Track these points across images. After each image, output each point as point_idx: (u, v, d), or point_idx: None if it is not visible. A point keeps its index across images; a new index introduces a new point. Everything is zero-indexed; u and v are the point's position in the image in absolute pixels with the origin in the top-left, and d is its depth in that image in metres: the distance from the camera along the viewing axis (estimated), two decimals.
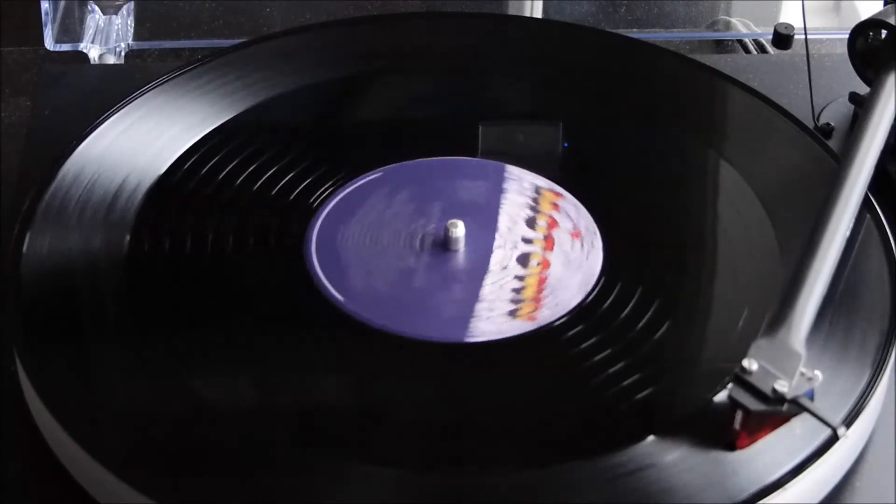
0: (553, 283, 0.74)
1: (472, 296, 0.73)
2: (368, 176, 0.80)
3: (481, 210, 0.78)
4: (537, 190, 0.79)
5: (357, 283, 0.74)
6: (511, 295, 0.74)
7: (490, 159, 0.82)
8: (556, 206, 0.78)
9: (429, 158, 0.82)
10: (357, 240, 0.77)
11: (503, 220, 0.78)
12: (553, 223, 0.77)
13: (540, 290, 0.74)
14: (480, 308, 0.73)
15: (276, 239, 0.77)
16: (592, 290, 0.74)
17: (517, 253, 0.76)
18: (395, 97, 0.87)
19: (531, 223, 0.77)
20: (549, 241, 0.76)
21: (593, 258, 0.76)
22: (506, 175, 0.80)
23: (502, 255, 0.76)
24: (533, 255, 0.76)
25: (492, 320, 0.72)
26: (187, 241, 0.76)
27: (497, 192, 0.79)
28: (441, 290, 0.74)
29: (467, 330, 0.72)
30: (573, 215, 0.78)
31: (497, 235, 0.77)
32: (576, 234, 0.77)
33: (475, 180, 0.80)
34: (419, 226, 0.77)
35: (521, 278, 0.75)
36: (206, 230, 0.77)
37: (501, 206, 0.79)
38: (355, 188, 0.80)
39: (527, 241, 0.77)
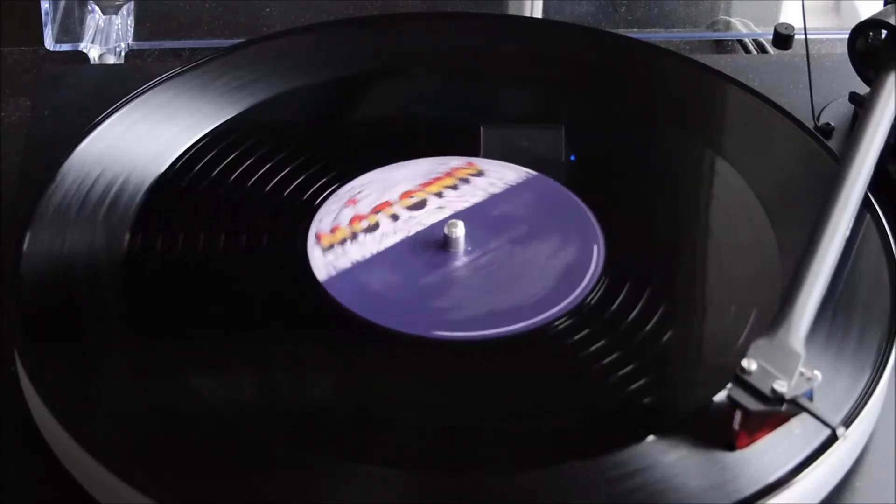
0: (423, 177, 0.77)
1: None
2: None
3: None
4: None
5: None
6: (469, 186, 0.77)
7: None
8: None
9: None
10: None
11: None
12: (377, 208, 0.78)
13: (441, 178, 0.77)
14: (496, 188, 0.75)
15: (276, 238, 0.77)
16: (592, 289, 0.74)
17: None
18: (395, 97, 0.87)
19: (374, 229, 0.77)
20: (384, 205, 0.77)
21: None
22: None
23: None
24: (417, 194, 0.77)
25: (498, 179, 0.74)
26: (187, 240, 0.76)
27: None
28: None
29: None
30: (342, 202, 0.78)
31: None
32: (352, 200, 0.77)
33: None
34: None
35: (442, 194, 0.77)
36: (205, 230, 0.77)
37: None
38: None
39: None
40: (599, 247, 0.77)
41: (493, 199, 0.79)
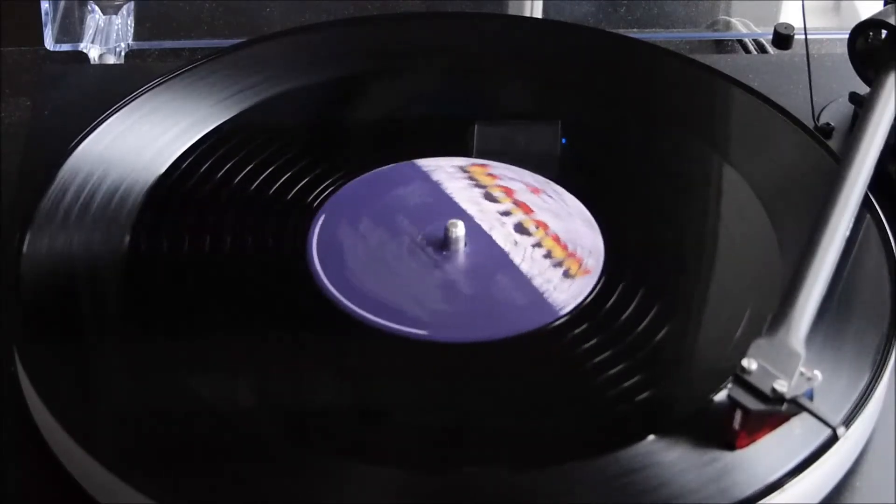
0: (566, 236, 0.76)
1: (520, 279, 0.74)
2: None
3: (440, 207, 0.78)
4: (464, 169, 0.79)
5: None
6: (548, 262, 0.74)
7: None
8: (492, 175, 0.78)
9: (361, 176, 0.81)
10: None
11: (469, 207, 0.78)
12: (507, 190, 0.77)
13: (565, 246, 0.75)
14: (539, 283, 0.73)
15: (277, 238, 0.77)
16: (592, 289, 0.74)
17: (510, 227, 0.77)
18: (395, 97, 0.87)
19: (490, 198, 0.78)
20: (522, 206, 0.77)
21: (570, 201, 0.78)
22: (425, 170, 0.80)
23: (503, 234, 0.76)
24: (524, 223, 0.76)
25: (560, 288, 0.73)
26: (187, 240, 0.76)
27: (434, 187, 0.79)
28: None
29: (550, 306, 0.72)
30: (514, 175, 0.79)
31: (479, 221, 0.77)
32: (535, 189, 0.78)
33: (407, 185, 0.80)
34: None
35: (538, 245, 0.75)
36: (206, 230, 0.77)
37: (452, 196, 0.78)
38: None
39: (504, 213, 0.77)
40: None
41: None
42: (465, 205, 0.78)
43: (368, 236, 0.77)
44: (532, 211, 0.77)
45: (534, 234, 0.76)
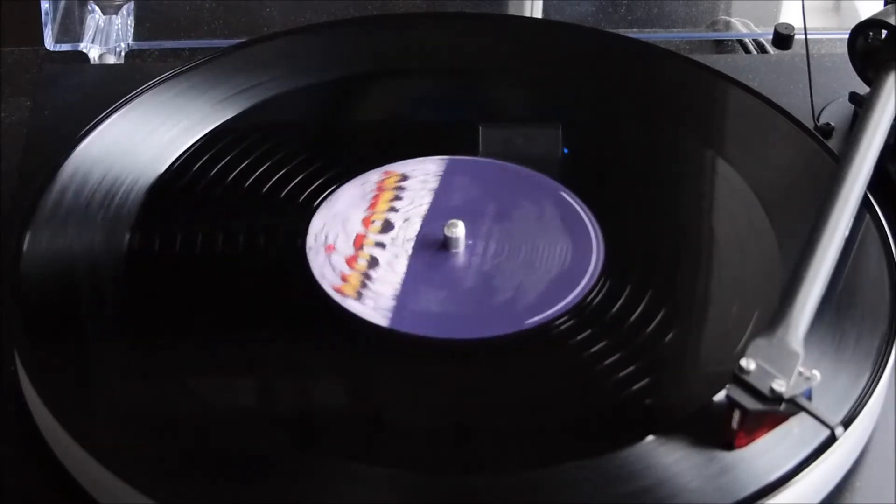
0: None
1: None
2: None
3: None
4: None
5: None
6: None
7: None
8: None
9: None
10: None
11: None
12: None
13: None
14: None
15: (277, 238, 0.77)
16: (592, 289, 0.74)
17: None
18: (395, 97, 0.87)
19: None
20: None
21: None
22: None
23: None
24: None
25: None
26: (187, 240, 0.76)
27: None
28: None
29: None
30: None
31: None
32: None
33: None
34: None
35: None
36: (206, 229, 0.77)
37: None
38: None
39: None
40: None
41: (441, 193, 0.79)
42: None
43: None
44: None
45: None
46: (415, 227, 0.77)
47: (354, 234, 0.77)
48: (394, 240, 0.77)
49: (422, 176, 0.80)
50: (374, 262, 0.75)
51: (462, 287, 0.74)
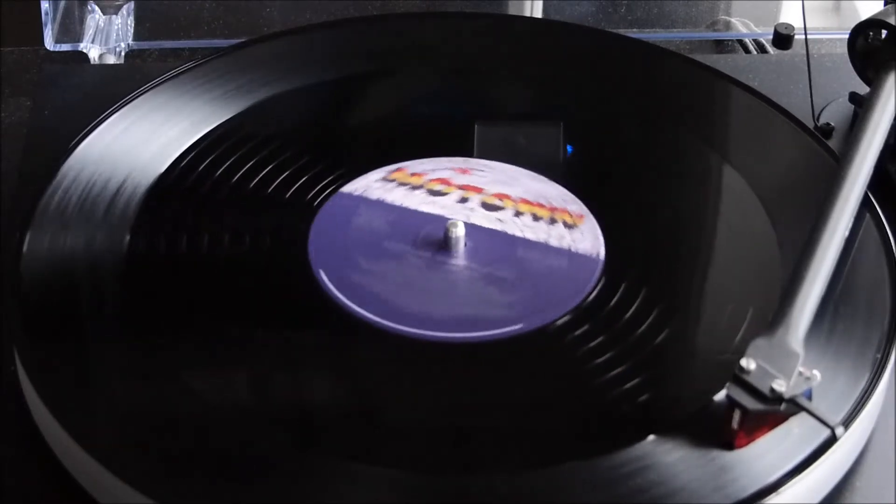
0: (531, 196, 0.77)
1: (540, 248, 0.75)
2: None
3: (410, 220, 0.77)
4: (387, 179, 0.79)
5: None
6: (542, 223, 0.75)
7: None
8: (416, 174, 0.79)
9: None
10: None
11: (430, 209, 0.78)
12: (443, 181, 0.78)
13: (540, 204, 0.76)
14: (558, 244, 0.75)
15: (277, 238, 0.77)
16: (592, 289, 0.74)
17: (480, 210, 0.77)
18: (395, 97, 0.87)
19: (435, 193, 0.78)
20: (468, 188, 0.78)
21: (499, 167, 0.79)
22: (358, 194, 0.79)
23: (483, 219, 0.77)
24: (487, 201, 0.77)
25: (578, 240, 0.74)
26: (187, 240, 0.76)
27: (382, 205, 0.78)
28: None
29: (587, 256, 0.74)
30: (433, 165, 0.79)
31: (452, 216, 0.77)
32: (463, 170, 0.79)
33: (359, 216, 0.78)
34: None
35: (519, 214, 0.76)
36: (206, 230, 0.77)
37: (406, 206, 0.78)
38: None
39: (462, 201, 0.78)
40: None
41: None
42: (424, 208, 0.78)
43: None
44: (481, 189, 0.77)
45: (506, 207, 0.76)
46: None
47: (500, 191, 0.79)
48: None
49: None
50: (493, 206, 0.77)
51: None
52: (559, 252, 0.75)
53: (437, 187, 0.78)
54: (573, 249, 0.75)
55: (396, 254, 0.76)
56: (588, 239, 0.74)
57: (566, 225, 0.75)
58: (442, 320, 0.72)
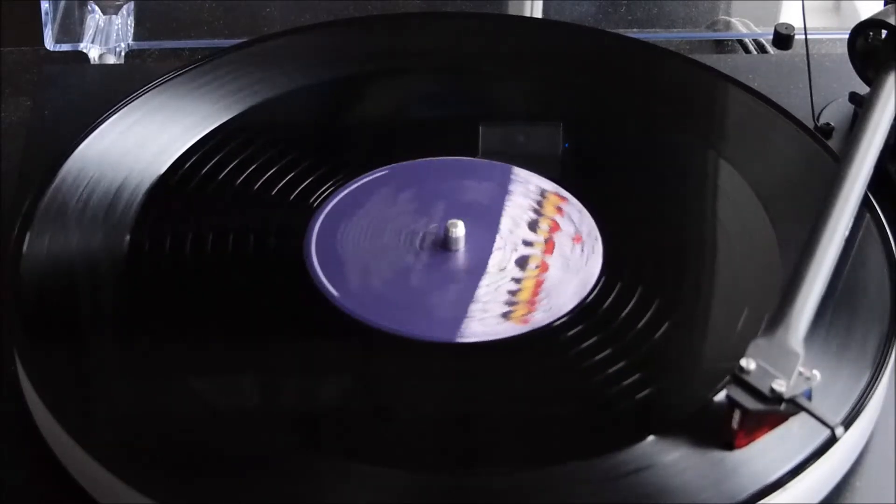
0: (549, 287, 0.74)
1: (467, 296, 0.73)
2: (372, 174, 0.80)
3: (484, 211, 0.78)
4: (542, 193, 0.79)
5: (357, 282, 0.74)
6: (506, 297, 0.73)
7: (494, 160, 0.82)
8: (559, 209, 0.78)
9: (436, 158, 0.81)
10: (357, 239, 0.77)
11: (505, 222, 0.78)
12: (555, 226, 0.77)
13: (535, 294, 0.74)
14: (474, 309, 0.73)
15: (276, 239, 0.77)
16: (592, 289, 0.74)
17: (517, 255, 0.76)
18: (395, 97, 0.87)
19: (533, 226, 0.77)
20: (549, 245, 0.76)
21: (592, 263, 0.76)
22: (512, 177, 0.80)
23: (501, 257, 0.76)
24: (532, 258, 0.76)
25: (484, 322, 0.72)
26: (187, 241, 0.76)
27: (501, 193, 0.79)
28: (438, 291, 0.74)
29: (459, 330, 0.72)
30: (576, 219, 0.78)
31: (498, 237, 0.77)
32: (577, 238, 0.76)
33: (480, 181, 0.80)
34: (420, 225, 0.77)
35: (517, 280, 0.75)
36: (206, 230, 0.77)
37: (505, 207, 0.78)
38: (356, 188, 0.80)
39: (527, 243, 0.76)
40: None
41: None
42: (505, 219, 0.78)
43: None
44: (551, 253, 0.76)
45: (525, 271, 0.75)
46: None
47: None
48: None
49: None
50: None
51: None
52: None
53: (543, 225, 0.77)
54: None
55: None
56: (485, 329, 0.73)
57: (504, 315, 0.74)
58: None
